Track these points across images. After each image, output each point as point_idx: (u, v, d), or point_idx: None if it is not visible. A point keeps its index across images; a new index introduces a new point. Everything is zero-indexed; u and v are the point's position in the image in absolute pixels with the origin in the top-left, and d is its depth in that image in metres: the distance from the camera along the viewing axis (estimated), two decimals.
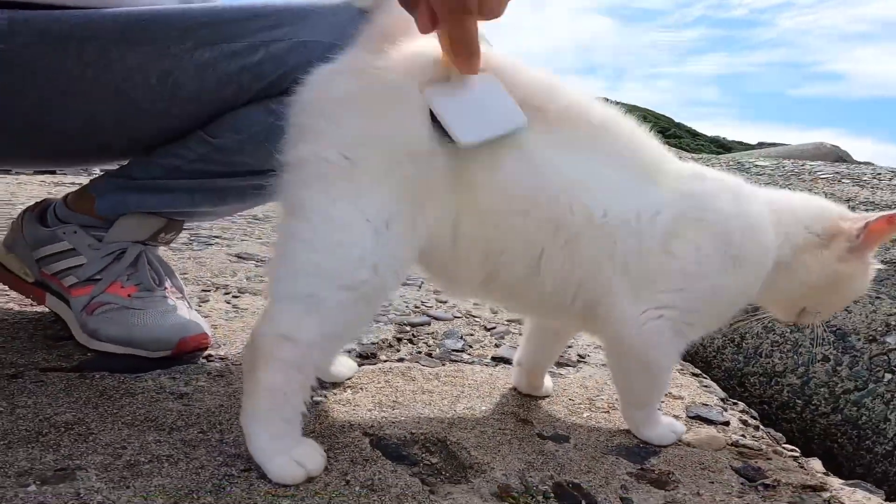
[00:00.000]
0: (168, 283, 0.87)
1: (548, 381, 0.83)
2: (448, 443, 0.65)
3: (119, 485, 0.49)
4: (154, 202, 0.83)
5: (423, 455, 0.62)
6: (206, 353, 0.83)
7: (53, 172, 3.86)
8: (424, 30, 0.52)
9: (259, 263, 1.54)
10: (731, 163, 2.63)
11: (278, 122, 0.76)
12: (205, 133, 0.80)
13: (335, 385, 0.77)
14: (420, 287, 1.44)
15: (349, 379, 0.79)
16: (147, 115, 0.79)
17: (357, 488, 0.54)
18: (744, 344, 1.23)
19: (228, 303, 1.13)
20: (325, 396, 0.73)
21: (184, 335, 0.78)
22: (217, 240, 1.85)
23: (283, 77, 0.75)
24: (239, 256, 1.60)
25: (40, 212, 0.89)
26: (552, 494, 0.58)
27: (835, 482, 0.68)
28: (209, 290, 1.20)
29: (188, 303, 0.88)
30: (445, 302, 1.31)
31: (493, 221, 0.59)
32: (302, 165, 0.55)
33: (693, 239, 0.64)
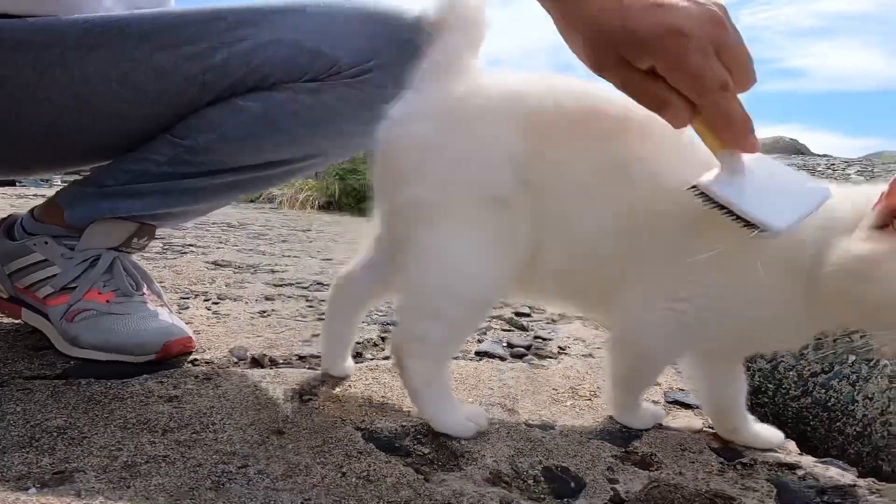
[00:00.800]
0: (146, 289, 0.86)
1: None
2: (440, 433, 0.66)
3: (119, 485, 0.49)
4: (126, 207, 0.83)
5: (415, 446, 0.63)
6: (192, 357, 0.83)
7: (13, 184, 3.76)
8: (683, 123, 0.50)
9: (237, 270, 1.53)
10: None
11: (246, 119, 0.78)
12: (171, 135, 0.80)
13: (324, 384, 0.78)
14: None
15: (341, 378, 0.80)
16: (108, 119, 0.79)
17: (353, 479, 0.55)
18: None
19: (209, 309, 1.13)
20: (316, 395, 0.74)
21: (168, 339, 0.78)
22: (192, 248, 1.84)
23: (248, 75, 0.77)
24: (216, 264, 1.60)
25: (7, 227, 0.88)
26: (542, 478, 0.60)
27: (808, 460, 0.71)
28: (188, 298, 1.19)
29: (168, 308, 0.88)
30: None
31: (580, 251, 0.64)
32: (408, 208, 0.62)
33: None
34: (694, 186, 0.53)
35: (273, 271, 1.54)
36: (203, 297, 1.21)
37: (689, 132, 0.55)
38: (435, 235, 0.61)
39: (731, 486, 0.62)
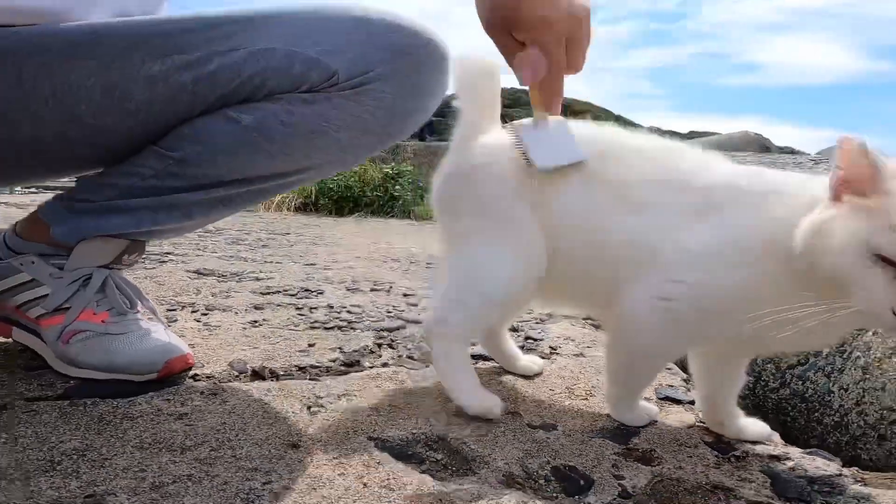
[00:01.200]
0: (140, 306, 0.85)
1: (538, 363, 0.94)
2: (448, 439, 0.68)
3: None
4: (115, 224, 0.81)
5: (428, 453, 0.65)
6: (192, 373, 0.83)
7: None
8: (527, 81, 0.71)
9: (221, 279, 1.52)
10: None
11: (238, 131, 0.76)
12: (160, 147, 0.79)
13: (328, 395, 0.79)
14: (389, 292, 1.46)
15: (346, 391, 0.81)
16: (94, 130, 0.77)
17: (376, 489, 0.56)
18: None
19: (198, 321, 1.12)
20: (323, 406, 0.75)
21: (168, 357, 0.78)
22: (170, 256, 1.81)
23: (241, 85, 0.75)
24: (199, 273, 1.58)
25: None
26: (552, 478, 0.62)
27: (795, 452, 0.75)
28: (175, 310, 1.18)
29: (164, 323, 0.87)
30: (416, 305, 1.34)
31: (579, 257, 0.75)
32: (453, 233, 0.82)
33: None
34: (511, 125, 0.75)
35: (258, 279, 1.53)
36: (191, 309, 1.20)
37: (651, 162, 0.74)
38: (469, 248, 0.78)
39: (728, 477, 0.66)
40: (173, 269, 1.60)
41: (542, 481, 0.62)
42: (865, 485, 0.67)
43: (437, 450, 0.66)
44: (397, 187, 3.58)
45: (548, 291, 0.80)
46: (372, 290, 1.48)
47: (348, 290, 1.47)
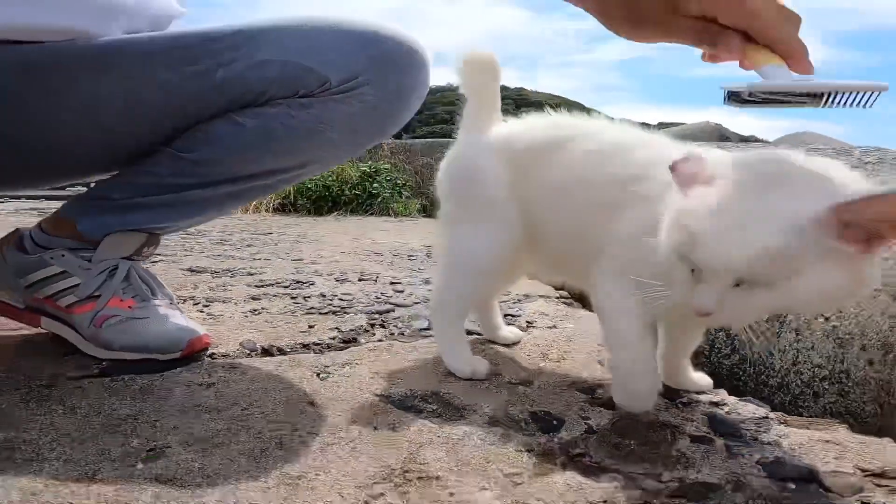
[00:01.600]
0: (159, 293, 0.95)
1: (516, 333, 1.05)
2: (441, 394, 0.80)
3: (206, 454, 0.60)
4: (136, 220, 0.91)
5: (424, 405, 0.77)
6: (209, 352, 0.93)
7: None
8: (736, 50, 0.60)
9: (215, 275, 1.61)
10: None
11: (245, 133, 0.87)
12: (175, 150, 0.88)
13: (334, 364, 0.90)
14: (376, 281, 1.57)
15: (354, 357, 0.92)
16: (115, 136, 0.87)
17: (385, 431, 0.68)
18: None
19: (202, 311, 1.21)
20: (330, 374, 0.86)
21: (191, 337, 0.88)
22: (160, 257, 1.88)
23: (245, 93, 0.85)
24: (192, 270, 1.66)
25: (17, 241, 0.94)
26: (530, 420, 0.75)
27: (732, 399, 0.88)
28: (178, 303, 1.27)
29: (180, 310, 0.97)
30: (402, 292, 1.45)
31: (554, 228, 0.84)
32: (444, 216, 0.92)
33: None
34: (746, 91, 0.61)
35: (251, 274, 1.62)
36: (192, 302, 1.29)
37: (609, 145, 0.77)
38: (456, 232, 0.90)
39: (675, 418, 0.78)
40: (167, 268, 1.68)
41: (522, 423, 0.74)
42: (788, 426, 0.79)
43: (432, 402, 0.78)
44: (375, 185, 3.66)
45: (542, 265, 0.92)
46: (360, 280, 1.59)
47: (337, 280, 1.57)
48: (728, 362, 1.27)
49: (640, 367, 0.76)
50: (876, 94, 0.59)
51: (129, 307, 0.89)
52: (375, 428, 0.69)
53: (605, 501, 0.56)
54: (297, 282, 1.53)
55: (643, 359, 0.76)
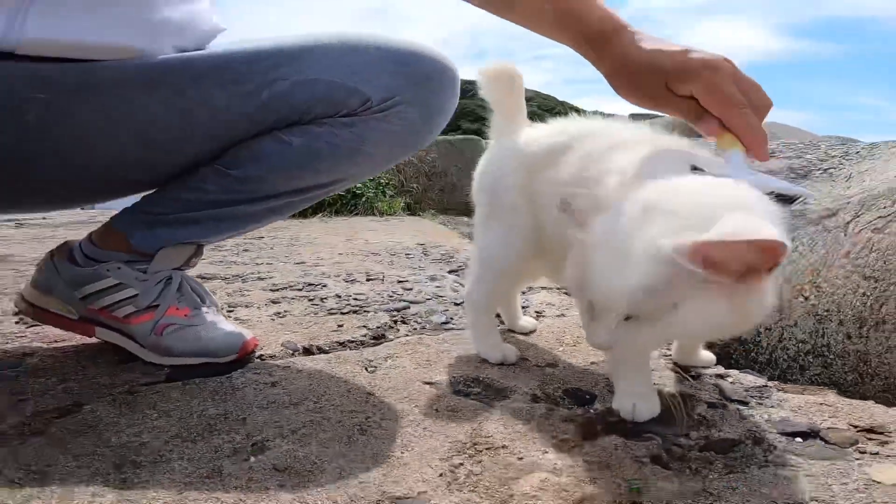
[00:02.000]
0: (207, 301, 1.02)
1: (532, 322, 1.15)
2: (481, 378, 0.90)
3: (305, 443, 0.69)
4: (187, 233, 0.97)
5: (470, 388, 0.86)
6: (258, 353, 1.00)
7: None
8: (713, 132, 0.68)
9: (226, 280, 1.66)
10: None
11: (291, 151, 0.92)
12: (222, 166, 0.94)
13: (377, 359, 0.98)
14: (383, 280, 1.65)
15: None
16: (165, 153, 0.92)
17: (445, 412, 0.77)
18: None
19: (227, 317, 1.28)
20: (377, 367, 0.95)
21: (243, 340, 0.96)
22: None
23: (290, 112, 0.90)
24: (202, 277, 1.71)
25: (68, 254, 0.99)
26: (565, 396, 0.85)
27: (734, 371, 1.00)
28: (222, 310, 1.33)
29: (225, 316, 1.04)
30: (411, 289, 1.54)
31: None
32: (477, 217, 1.01)
33: None
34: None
35: (261, 279, 1.68)
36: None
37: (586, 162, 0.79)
38: (485, 230, 0.98)
39: (689, 388, 0.90)
40: None
41: (558, 399, 0.84)
42: (785, 392, 0.91)
43: (476, 386, 0.87)
44: (359, 185, 3.72)
45: (549, 269, 0.97)
46: (368, 280, 1.67)
47: (346, 281, 1.65)
48: (720, 342, 1.38)
49: (640, 388, 0.78)
50: (801, 200, 0.64)
51: (185, 315, 0.95)
52: (437, 410, 0.78)
53: (649, 456, 0.67)
54: (309, 284, 1.60)
55: (643, 380, 0.79)
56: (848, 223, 1.04)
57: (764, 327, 1.23)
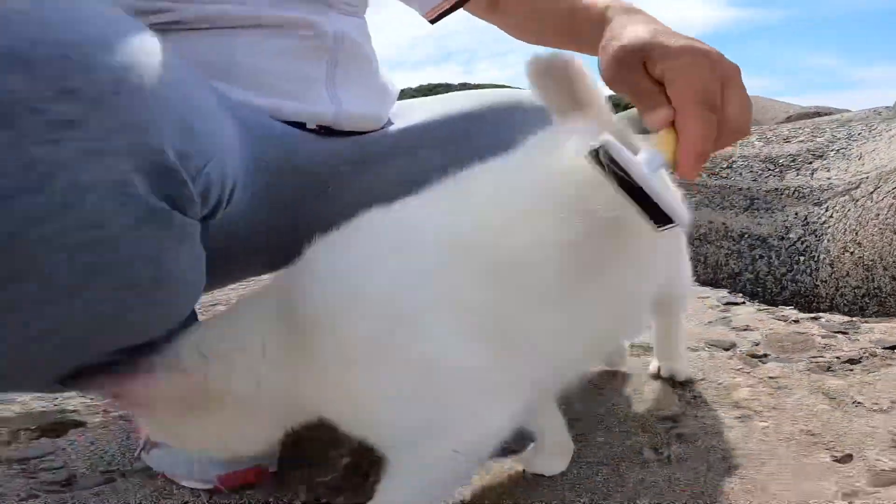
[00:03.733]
0: None
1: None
2: None
3: None
4: None
5: None
6: None
7: None
8: (658, 126, 0.48)
9: (229, 304, 1.55)
10: None
11: None
12: None
13: None
14: None
15: None
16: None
17: None
18: None
19: None
20: None
21: None
22: None
23: None
24: (206, 306, 1.60)
25: None
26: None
27: (825, 314, 1.02)
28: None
29: None
30: None
31: None
32: None
33: None
34: (600, 147, 0.44)
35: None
36: None
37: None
38: None
39: (810, 330, 0.93)
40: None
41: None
42: (868, 323, 0.98)
43: None
44: None
45: None
46: None
47: None
48: (780, 298, 1.31)
49: None
50: (673, 225, 0.44)
51: None
52: None
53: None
54: None
55: None
56: (871, 193, 1.17)
57: (820, 280, 1.23)
